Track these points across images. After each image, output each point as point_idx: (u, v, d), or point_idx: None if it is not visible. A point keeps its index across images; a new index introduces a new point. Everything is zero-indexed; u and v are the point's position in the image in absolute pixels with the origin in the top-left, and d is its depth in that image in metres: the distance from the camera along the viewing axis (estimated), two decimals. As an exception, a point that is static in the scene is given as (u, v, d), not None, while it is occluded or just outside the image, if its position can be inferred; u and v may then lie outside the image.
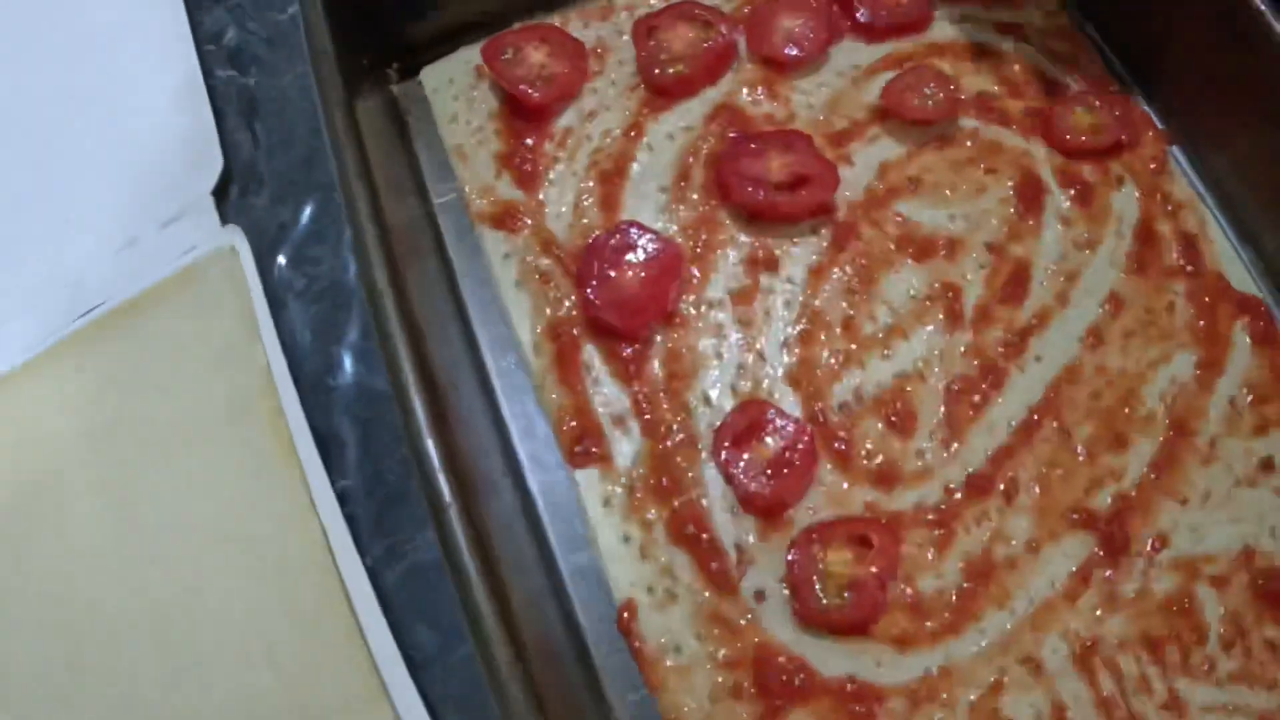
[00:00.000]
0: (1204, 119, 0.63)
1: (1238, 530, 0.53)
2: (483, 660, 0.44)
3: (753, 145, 0.61)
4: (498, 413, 0.58)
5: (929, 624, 0.51)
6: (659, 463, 0.55)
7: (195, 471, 0.58)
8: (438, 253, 0.62)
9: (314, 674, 0.54)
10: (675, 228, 0.60)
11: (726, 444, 0.54)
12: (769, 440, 0.54)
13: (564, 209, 0.61)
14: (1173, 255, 0.60)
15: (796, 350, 0.57)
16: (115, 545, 0.57)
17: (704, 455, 0.55)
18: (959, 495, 0.54)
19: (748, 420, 0.55)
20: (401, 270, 0.51)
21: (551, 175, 0.62)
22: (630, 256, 0.57)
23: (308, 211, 0.66)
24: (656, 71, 0.64)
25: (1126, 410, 0.56)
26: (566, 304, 0.58)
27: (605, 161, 0.62)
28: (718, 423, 0.55)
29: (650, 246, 0.58)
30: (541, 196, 0.61)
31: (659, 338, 0.57)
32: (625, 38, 0.65)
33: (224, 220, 0.65)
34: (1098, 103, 0.63)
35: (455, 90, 0.65)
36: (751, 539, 0.53)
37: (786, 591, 0.52)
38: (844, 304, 0.58)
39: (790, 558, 0.52)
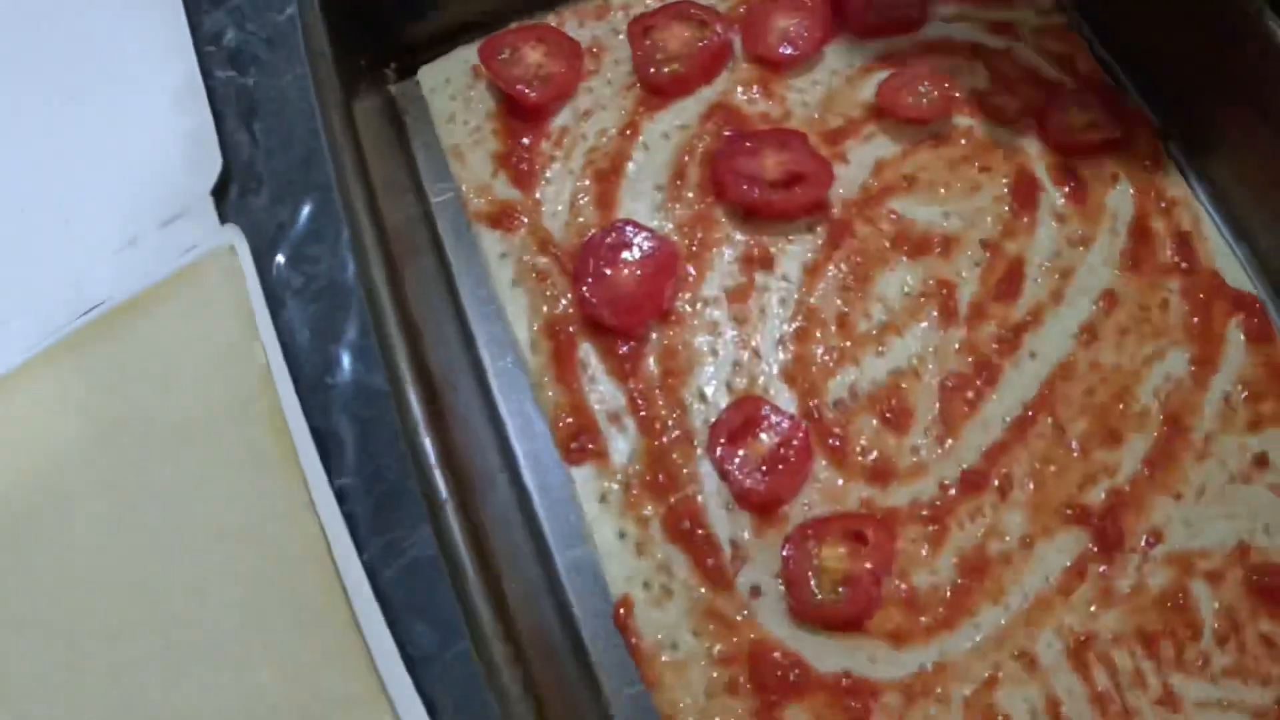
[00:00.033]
0: (1198, 116, 0.63)
1: (1232, 526, 0.54)
2: (479, 655, 0.44)
3: (748, 144, 0.61)
4: (495, 410, 0.58)
5: (924, 619, 0.52)
6: (655, 459, 0.55)
7: (194, 470, 0.59)
8: (435, 251, 0.62)
9: (312, 671, 0.54)
10: (671, 226, 0.60)
11: (722, 440, 0.54)
12: (764, 437, 0.54)
13: (560, 208, 0.61)
14: (1167, 252, 0.60)
15: (792, 347, 0.57)
16: (114, 544, 0.57)
17: (699, 452, 0.55)
18: (954, 491, 0.54)
19: (743, 417, 0.55)
20: (399, 269, 0.52)
21: (548, 174, 0.62)
22: (626, 255, 0.58)
23: (306, 211, 0.67)
24: (652, 71, 0.64)
25: (1121, 406, 0.56)
26: (563, 302, 0.58)
27: (601, 160, 0.62)
28: (713, 419, 0.55)
29: (646, 245, 0.58)
30: (538, 195, 0.61)
31: (655, 335, 0.58)
32: (621, 37, 0.66)
33: (223, 220, 0.66)
34: (1092, 100, 0.63)
35: (452, 90, 0.65)
36: (747, 535, 0.53)
37: (782, 587, 0.52)
38: (839, 301, 0.58)
39: (785, 553, 0.52)
